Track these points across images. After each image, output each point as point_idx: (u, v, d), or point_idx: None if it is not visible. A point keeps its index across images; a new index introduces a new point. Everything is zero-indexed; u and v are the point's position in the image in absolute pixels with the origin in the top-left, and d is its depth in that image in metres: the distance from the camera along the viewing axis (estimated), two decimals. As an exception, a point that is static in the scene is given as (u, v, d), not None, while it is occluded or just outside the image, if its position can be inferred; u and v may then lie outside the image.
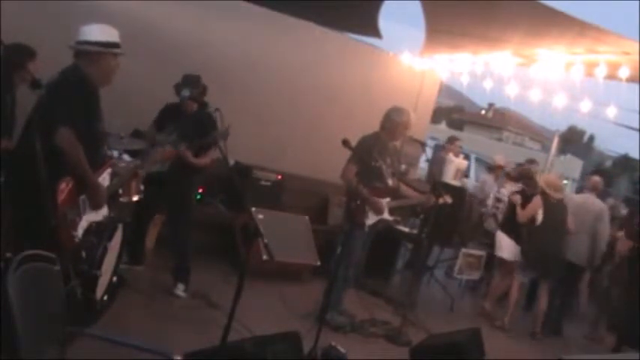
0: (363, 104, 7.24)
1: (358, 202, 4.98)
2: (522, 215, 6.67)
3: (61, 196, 3.16)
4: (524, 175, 7.30)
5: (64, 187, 3.18)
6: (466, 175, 10.98)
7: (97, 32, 3.40)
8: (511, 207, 6.96)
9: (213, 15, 6.57)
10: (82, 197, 3.33)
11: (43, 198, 2.98)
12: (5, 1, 5.07)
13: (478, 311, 6.97)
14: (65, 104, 3.17)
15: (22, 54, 4.42)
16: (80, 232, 3.37)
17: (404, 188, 5.52)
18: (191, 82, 4.98)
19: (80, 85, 3.28)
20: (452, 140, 8.75)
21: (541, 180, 6.87)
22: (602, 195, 8.30)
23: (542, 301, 6.74)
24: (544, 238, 6.51)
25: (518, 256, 6.73)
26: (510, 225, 6.84)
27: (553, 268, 6.63)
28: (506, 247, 6.83)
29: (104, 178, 3.51)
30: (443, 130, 27.66)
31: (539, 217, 6.56)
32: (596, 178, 7.61)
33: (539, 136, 43.65)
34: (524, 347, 6.35)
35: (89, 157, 3.26)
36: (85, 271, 3.70)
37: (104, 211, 3.56)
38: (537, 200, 6.60)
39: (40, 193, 3.00)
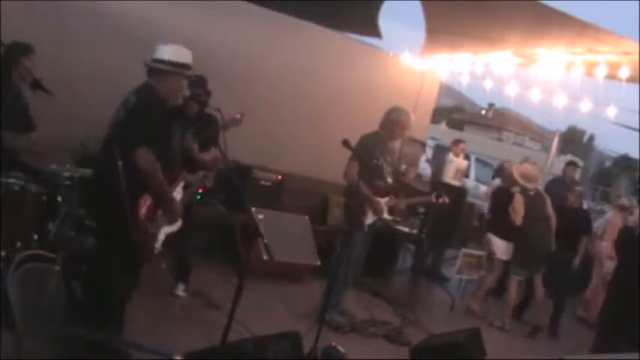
0: (363, 104, 7.22)
1: (358, 203, 4.98)
2: (514, 215, 6.53)
3: (142, 212, 3.33)
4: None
5: (144, 202, 3.34)
6: (466, 175, 10.99)
7: (172, 52, 3.52)
8: (496, 206, 6.92)
9: (213, 15, 6.56)
10: (159, 212, 3.48)
11: (125, 213, 3.18)
12: (5, 1, 5.07)
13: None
14: (144, 125, 3.31)
15: (16, 49, 4.45)
16: (159, 244, 3.56)
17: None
18: (195, 83, 4.95)
19: (157, 107, 3.44)
20: (457, 142, 8.74)
21: (515, 171, 6.65)
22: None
23: (539, 293, 6.69)
24: (532, 234, 6.42)
25: (510, 255, 6.66)
26: (498, 224, 6.77)
27: (545, 261, 6.60)
28: (497, 245, 6.77)
29: (177, 192, 3.66)
30: (443, 130, 27.65)
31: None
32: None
33: (539, 136, 43.65)
34: (524, 347, 6.35)
35: (165, 173, 3.38)
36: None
37: (179, 223, 3.70)
38: (519, 198, 6.49)
39: (122, 208, 3.19)
